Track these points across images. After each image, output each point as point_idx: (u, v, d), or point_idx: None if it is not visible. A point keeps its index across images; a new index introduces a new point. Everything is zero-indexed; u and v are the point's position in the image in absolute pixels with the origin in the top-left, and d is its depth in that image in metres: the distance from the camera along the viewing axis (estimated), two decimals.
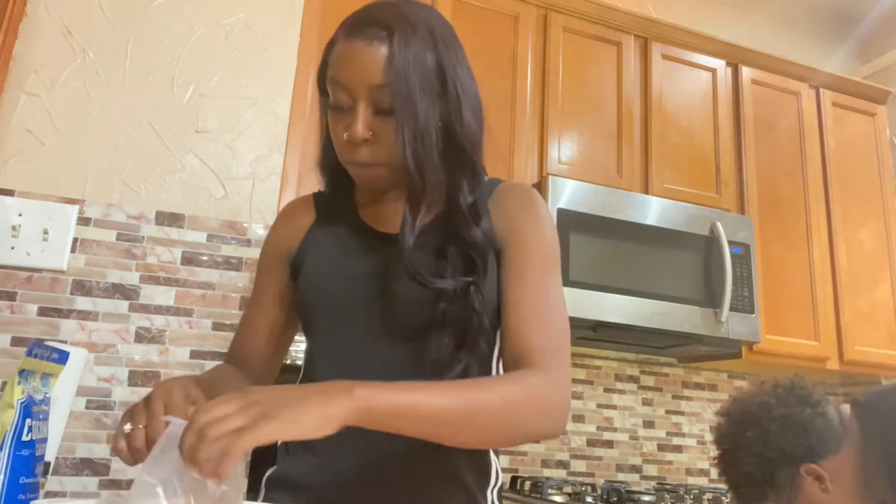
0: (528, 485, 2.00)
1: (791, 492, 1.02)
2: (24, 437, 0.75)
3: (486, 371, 0.86)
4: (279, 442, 0.91)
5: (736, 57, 2.47)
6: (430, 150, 0.79)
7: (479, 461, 0.87)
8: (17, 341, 1.51)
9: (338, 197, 0.94)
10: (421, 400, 0.66)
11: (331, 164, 0.91)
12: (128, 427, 0.63)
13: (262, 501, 0.86)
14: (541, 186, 1.99)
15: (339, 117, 0.81)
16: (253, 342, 0.94)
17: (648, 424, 2.41)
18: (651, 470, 2.37)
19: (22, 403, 0.75)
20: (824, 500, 0.99)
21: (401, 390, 0.65)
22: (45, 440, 0.80)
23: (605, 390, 2.38)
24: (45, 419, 0.80)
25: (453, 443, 0.71)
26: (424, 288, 0.81)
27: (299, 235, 0.93)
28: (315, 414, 0.59)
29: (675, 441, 2.44)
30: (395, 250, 0.82)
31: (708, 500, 2.03)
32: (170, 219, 1.67)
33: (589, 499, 1.91)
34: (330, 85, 0.81)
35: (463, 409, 0.68)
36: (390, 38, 0.78)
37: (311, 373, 0.91)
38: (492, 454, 0.89)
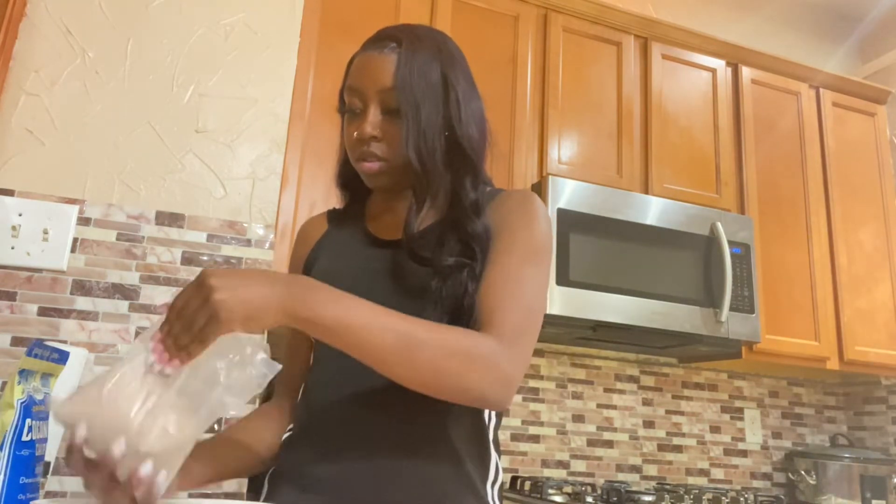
0: (528, 485, 2.00)
1: None
2: (24, 437, 0.75)
3: None
4: (282, 438, 0.92)
5: (736, 57, 2.46)
6: (431, 147, 0.86)
7: (478, 448, 0.88)
8: (17, 341, 1.51)
9: (350, 210, 1.01)
10: (355, 321, 0.69)
11: (347, 179, 0.99)
12: None
13: (266, 500, 0.85)
14: (541, 186, 1.98)
15: (351, 121, 0.90)
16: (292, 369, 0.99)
17: (648, 424, 2.41)
18: (651, 470, 2.37)
19: (22, 403, 0.75)
20: None
21: (343, 306, 0.70)
22: (45, 440, 0.80)
23: (605, 390, 2.38)
24: (45, 419, 0.80)
25: (388, 374, 0.73)
26: (421, 278, 0.84)
27: (311, 245, 1.01)
28: (256, 289, 0.65)
29: (675, 441, 2.44)
30: (396, 252, 0.88)
31: (708, 499, 2.03)
32: (170, 219, 1.67)
33: (589, 499, 1.91)
34: (346, 93, 0.90)
35: (397, 341, 0.71)
36: (399, 48, 0.87)
37: (316, 372, 0.93)
38: (492, 447, 0.90)
